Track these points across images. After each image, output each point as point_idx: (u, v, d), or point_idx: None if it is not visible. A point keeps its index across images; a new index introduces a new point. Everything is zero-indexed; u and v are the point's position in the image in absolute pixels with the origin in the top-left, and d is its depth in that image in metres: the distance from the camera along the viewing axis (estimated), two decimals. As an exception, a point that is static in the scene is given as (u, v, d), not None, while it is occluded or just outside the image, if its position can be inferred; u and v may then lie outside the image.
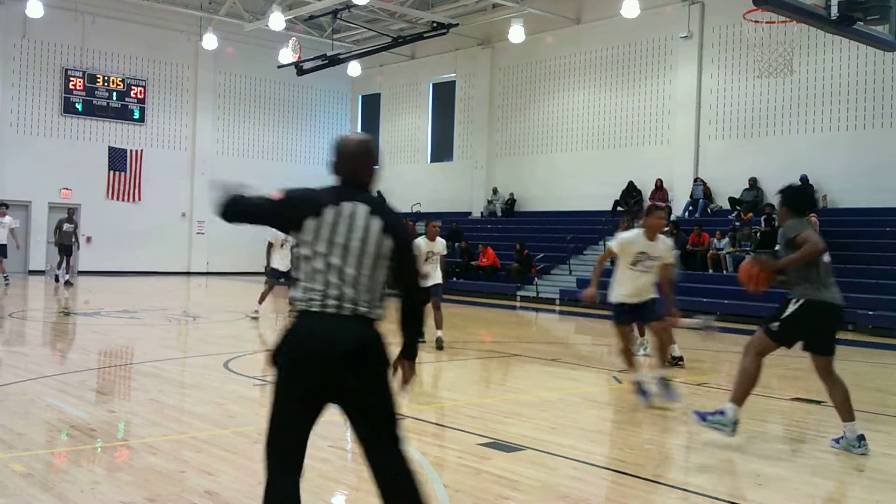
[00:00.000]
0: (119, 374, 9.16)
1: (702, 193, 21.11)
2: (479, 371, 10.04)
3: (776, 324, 5.86)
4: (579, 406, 7.65)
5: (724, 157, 21.09)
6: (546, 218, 24.63)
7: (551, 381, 9.12)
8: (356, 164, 3.44)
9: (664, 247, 7.27)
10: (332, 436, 6.22)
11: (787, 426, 7.23)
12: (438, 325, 11.01)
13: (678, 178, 21.88)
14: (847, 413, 5.85)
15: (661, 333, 7.42)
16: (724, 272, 18.00)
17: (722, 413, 5.88)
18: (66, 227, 20.93)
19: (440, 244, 11.23)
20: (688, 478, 5.42)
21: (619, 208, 22.58)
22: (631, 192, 22.62)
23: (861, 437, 5.82)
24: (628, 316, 7.32)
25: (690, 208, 21.15)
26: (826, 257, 5.84)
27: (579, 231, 22.00)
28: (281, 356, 3.20)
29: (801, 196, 6.05)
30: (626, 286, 7.24)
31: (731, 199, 20.40)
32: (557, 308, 19.45)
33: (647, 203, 21.83)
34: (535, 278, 20.87)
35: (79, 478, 4.89)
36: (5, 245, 19.51)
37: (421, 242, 11.14)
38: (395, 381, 3.34)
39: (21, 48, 25.05)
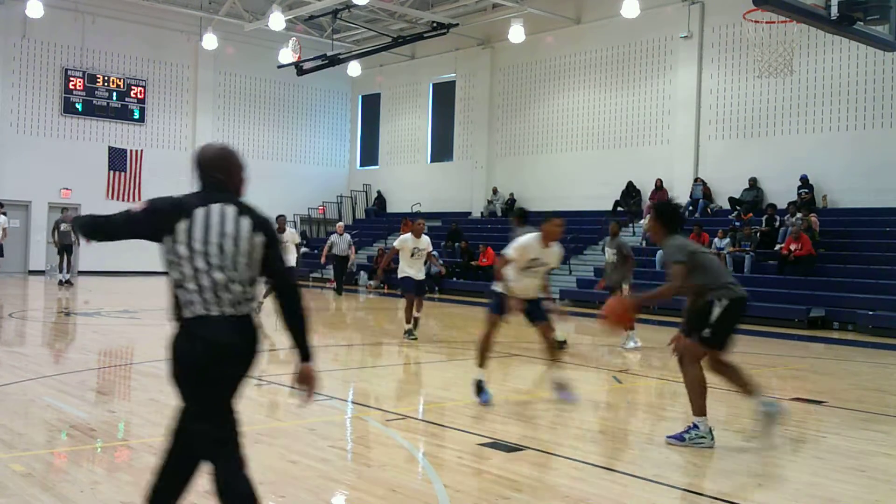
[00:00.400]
0: (119, 374, 9.16)
1: (701, 193, 21.11)
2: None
3: (707, 330, 5.99)
4: (579, 406, 7.65)
5: (724, 157, 21.10)
6: (545, 218, 24.56)
7: (550, 382, 9.10)
8: (219, 171, 3.56)
9: (555, 253, 7.51)
10: (333, 436, 6.22)
11: (787, 426, 7.23)
12: (418, 309, 12.10)
13: (678, 178, 21.88)
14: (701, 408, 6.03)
15: (548, 334, 7.48)
16: (724, 272, 18.01)
17: (696, 427, 5.99)
18: (63, 227, 20.90)
19: (425, 241, 12.04)
20: (688, 478, 5.42)
21: (619, 208, 22.59)
22: (631, 192, 22.63)
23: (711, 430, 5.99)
24: (502, 309, 7.37)
25: (690, 208, 21.15)
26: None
27: (579, 231, 21.99)
28: (173, 354, 3.38)
29: (674, 214, 6.28)
30: (513, 284, 7.38)
31: (732, 199, 20.40)
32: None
33: (647, 204, 21.88)
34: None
35: (79, 478, 4.89)
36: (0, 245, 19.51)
37: (407, 239, 12.00)
38: (297, 387, 3.66)
39: (21, 48, 25.06)
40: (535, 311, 7.46)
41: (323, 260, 20.38)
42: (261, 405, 7.13)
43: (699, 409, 5.97)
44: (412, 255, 11.87)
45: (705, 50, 21.55)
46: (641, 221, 21.74)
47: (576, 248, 21.59)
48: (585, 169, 24.14)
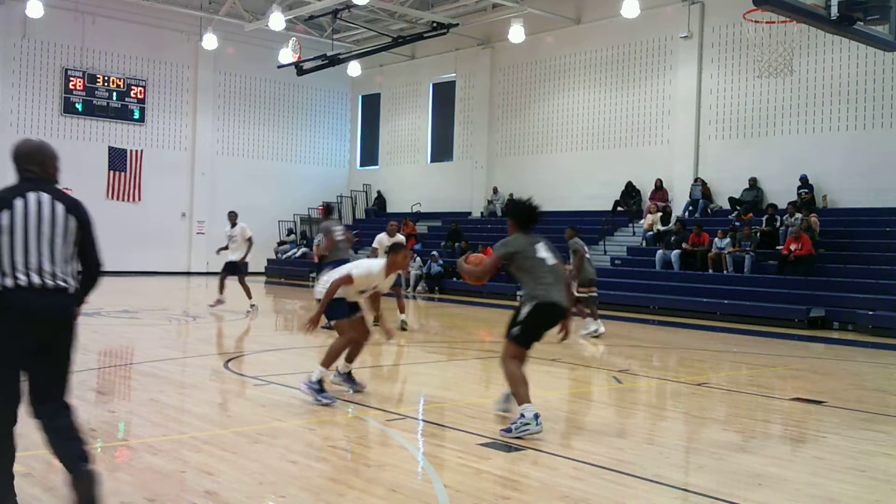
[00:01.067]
0: (119, 374, 9.16)
1: (700, 194, 21.11)
2: (479, 371, 10.03)
3: (517, 328, 6.30)
4: (579, 406, 7.66)
5: (724, 157, 21.10)
6: (546, 218, 24.33)
7: (551, 382, 9.11)
8: (34, 164, 4.07)
9: (391, 280, 7.55)
10: (333, 436, 6.22)
11: (787, 426, 7.23)
12: (402, 310, 13.00)
13: (678, 178, 21.88)
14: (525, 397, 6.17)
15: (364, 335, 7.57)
16: (725, 272, 18.00)
17: (522, 416, 6.09)
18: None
19: (398, 239, 13.04)
20: (688, 478, 5.42)
21: (618, 208, 22.59)
22: (630, 192, 22.63)
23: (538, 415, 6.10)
24: (349, 309, 7.44)
25: (690, 208, 21.15)
26: (550, 260, 6.45)
27: (580, 231, 21.94)
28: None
29: (522, 212, 6.61)
30: (349, 297, 7.44)
31: (732, 199, 20.40)
32: (557, 308, 19.42)
33: (647, 204, 21.88)
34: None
35: (79, 478, 4.88)
36: None
37: (382, 238, 13.12)
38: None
39: (21, 48, 25.07)
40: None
41: (316, 259, 20.49)
42: (261, 405, 7.12)
43: (522, 398, 6.13)
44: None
45: (705, 50, 21.55)
46: (641, 221, 21.74)
47: (576, 248, 21.58)
48: (585, 169, 24.15)
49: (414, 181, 29.49)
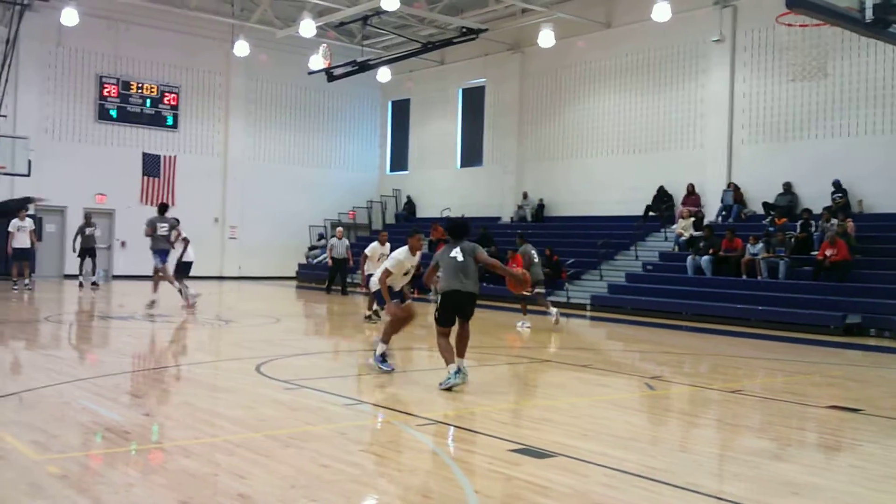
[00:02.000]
0: (153, 377, 9.26)
1: (732, 199, 20.88)
2: (509, 376, 10.01)
3: (436, 313, 8.42)
4: (611, 412, 7.60)
5: (758, 162, 20.87)
6: (576, 223, 24.52)
7: (582, 387, 9.06)
8: None
9: (417, 260, 9.81)
10: (363, 440, 6.24)
11: (823, 434, 7.12)
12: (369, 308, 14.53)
13: (710, 183, 21.68)
14: (460, 353, 8.38)
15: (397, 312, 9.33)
16: (759, 278, 17.78)
17: (448, 374, 8.15)
18: (88, 230, 21.04)
19: (387, 248, 14.86)
20: (722, 486, 5.35)
21: (650, 213, 22.42)
22: (662, 196, 22.45)
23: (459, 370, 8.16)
24: (396, 296, 9.62)
25: (724, 213, 20.94)
26: (459, 259, 8.33)
27: (610, 236, 21.87)
28: None
29: (453, 228, 8.63)
30: (396, 284, 9.70)
31: (765, 204, 20.17)
32: (588, 314, 19.33)
33: (679, 209, 21.71)
34: (566, 283, 20.77)
35: (113, 480, 4.95)
36: (27, 249, 19.69)
37: (375, 246, 15.19)
38: None
39: (56, 55, 25.48)
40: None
41: (329, 262, 22.42)
42: (292, 409, 7.16)
43: (448, 361, 8.25)
44: (378, 259, 14.63)
45: (738, 53, 21.34)
46: (673, 227, 21.57)
47: (606, 254, 21.45)
48: (616, 173, 24.01)
49: (443, 186, 29.52)
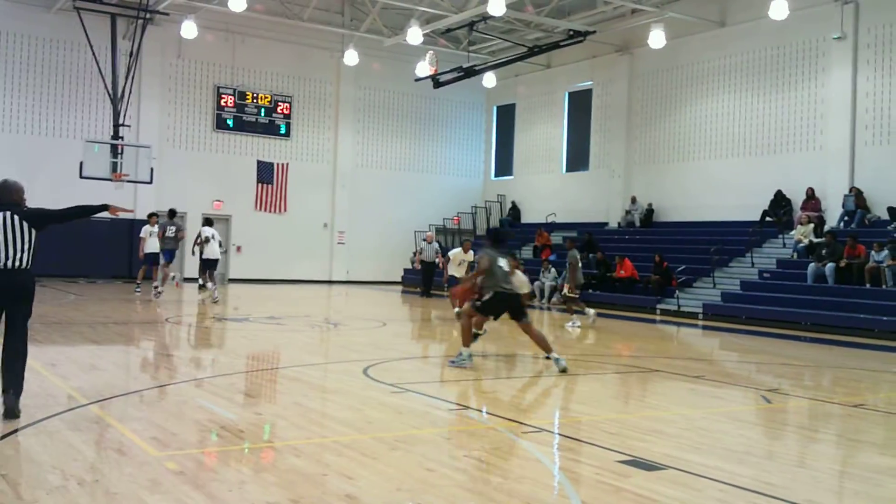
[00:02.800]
0: (265, 377, 9.52)
1: (853, 204, 19.85)
2: (618, 386, 9.80)
3: (478, 303, 9.88)
4: (725, 425, 7.32)
5: (883, 165, 19.77)
6: (687, 228, 23.86)
7: (694, 399, 8.78)
8: (5, 193, 6.58)
9: (470, 256, 13.40)
10: (468, 446, 6.22)
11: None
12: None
13: (832, 187, 20.69)
14: (547, 349, 9.93)
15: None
16: (884, 286, 16.84)
17: (460, 354, 9.77)
18: (169, 230, 21.12)
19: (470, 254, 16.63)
20: (842, 503, 5.07)
21: (767, 218, 21.58)
22: (780, 201, 21.57)
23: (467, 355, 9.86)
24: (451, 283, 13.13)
25: (846, 218, 19.95)
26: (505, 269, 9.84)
27: (723, 243, 21.15)
28: None
29: (495, 236, 10.91)
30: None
31: (891, 209, 19.10)
32: (700, 323, 18.76)
33: (798, 214, 20.83)
34: (676, 291, 20.22)
35: (227, 477, 5.09)
36: (158, 253, 20.46)
37: (457, 252, 16.43)
38: None
39: (177, 67, 26.68)
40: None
41: (418, 265, 23.59)
42: (398, 412, 7.22)
43: (465, 343, 9.86)
44: (459, 264, 16.32)
45: (860, 51, 20.31)
46: (791, 233, 20.69)
47: (720, 261, 20.74)
48: (730, 177, 23.23)
49: (549, 191, 29.28)
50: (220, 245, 19.45)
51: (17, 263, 6.35)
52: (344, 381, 9.05)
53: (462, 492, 4.94)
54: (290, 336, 13.44)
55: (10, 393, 6.31)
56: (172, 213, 19.43)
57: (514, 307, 9.87)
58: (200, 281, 19.96)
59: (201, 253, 18.91)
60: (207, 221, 20.14)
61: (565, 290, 16.67)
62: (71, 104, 25.05)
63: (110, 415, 6.72)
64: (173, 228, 18.75)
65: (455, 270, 16.30)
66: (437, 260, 22.82)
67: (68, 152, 22.86)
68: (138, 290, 19.97)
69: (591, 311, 16.65)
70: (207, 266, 18.91)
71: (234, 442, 6.05)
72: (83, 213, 6.86)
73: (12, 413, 6.26)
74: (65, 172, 22.03)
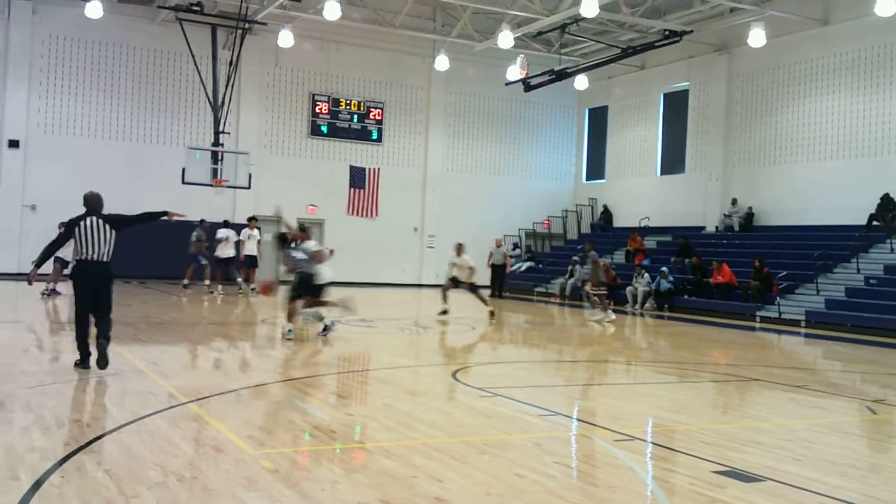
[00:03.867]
0: (357, 379, 9.66)
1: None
2: (714, 395, 9.52)
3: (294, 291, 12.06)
4: (827, 437, 7.02)
5: None
6: (788, 233, 23.01)
7: (795, 409, 8.45)
8: (93, 202, 8.42)
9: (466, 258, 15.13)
10: (558, 452, 6.14)
11: None
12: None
13: (945, 189, 19.61)
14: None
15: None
16: None
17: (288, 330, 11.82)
18: (195, 234, 21.08)
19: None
20: (962, 527, 4.77)
21: (874, 222, 20.62)
22: (888, 205, 20.56)
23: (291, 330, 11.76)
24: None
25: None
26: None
27: (828, 247, 20.29)
28: (74, 278, 8.50)
29: None
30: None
31: None
32: (803, 330, 18.06)
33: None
34: (777, 298, 19.52)
35: (320, 476, 5.18)
36: (255, 256, 21.11)
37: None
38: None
39: (274, 76, 27.40)
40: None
41: (487, 268, 24.36)
42: (487, 416, 7.19)
43: (288, 318, 12.05)
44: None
45: (979, 45, 19.19)
46: (899, 237, 19.70)
47: (824, 266, 19.91)
48: (834, 180, 22.29)
49: (642, 194, 28.73)
50: (240, 245, 21.18)
51: (102, 257, 8.26)
52: (433, 384, 9.09)
53: (552, 498, 4.88)
54: (381, 339, 13.60)
55: (102, 339, 8.15)
56: (201, 222, 21.04)
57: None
58: (238, 278, 21.11)
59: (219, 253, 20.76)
60: (225, 224, 21.38)
61: (587, 288, 18.36)
62: (174, 112, 26.03)
63: (208, 413, 6.93)
64: (203, 234, 20.86)
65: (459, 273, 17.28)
66: (504, 262, 24.81)
67: (172, 159, 23.74)
68: (240, 291, 20.64)
69: (612, 315, 17.68)
70: (228, 264, 20.82)
71: (326, 442, 6.15)
72: (150, 218, 8.76)
73: (104, 359, 8.08)
74: (168, 178, 22.87)
